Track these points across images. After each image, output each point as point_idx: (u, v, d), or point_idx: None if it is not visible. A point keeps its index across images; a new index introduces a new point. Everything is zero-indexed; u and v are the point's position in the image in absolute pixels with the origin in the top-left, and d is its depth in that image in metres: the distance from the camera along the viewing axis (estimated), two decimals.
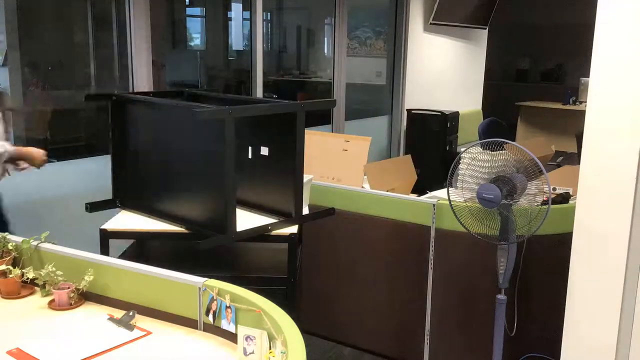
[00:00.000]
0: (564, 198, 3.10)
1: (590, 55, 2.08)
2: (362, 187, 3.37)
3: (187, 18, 6.76)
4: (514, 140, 3.89)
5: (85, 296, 2.02)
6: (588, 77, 2.12)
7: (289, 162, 2.36)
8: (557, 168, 3.92)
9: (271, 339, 1.61)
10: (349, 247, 3.28)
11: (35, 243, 2.11)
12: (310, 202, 2.83)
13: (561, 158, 7.20)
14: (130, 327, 1.84)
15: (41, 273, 2.01)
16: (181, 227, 2.38)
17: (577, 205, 2.19)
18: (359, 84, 6.66)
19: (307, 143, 2.44)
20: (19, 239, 2.15)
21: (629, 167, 2.05)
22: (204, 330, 1.83)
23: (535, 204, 2.43)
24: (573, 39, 8.76)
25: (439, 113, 6.57)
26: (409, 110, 6.65)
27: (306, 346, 1.50)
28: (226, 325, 1.75)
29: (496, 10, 7.80)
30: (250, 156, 2.47)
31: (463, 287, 3.01)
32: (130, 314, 1.89)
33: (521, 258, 2.71)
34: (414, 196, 3.30)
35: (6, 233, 2.17)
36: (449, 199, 2.62)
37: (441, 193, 3.18)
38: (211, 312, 1.78)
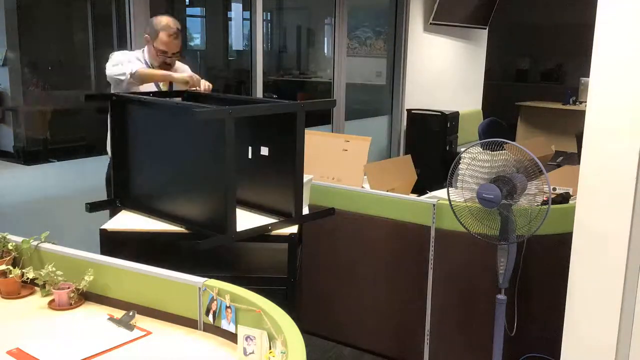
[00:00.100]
0: (564, 198, 3.10)
1: (590, 55, 2.08)
2: (362, 187, 3.37)
3: (187, 18, 6.75)
4: (514, 140, 3.89)
5: (85, 296, 2.02)
6: (588, 77, 2.12)
7: (289, 162, 2.36)
8: (557, 168, 3.92)
9: (271, 339, 1.61)
10: (349, 247, 3.28)
11: (35, 243, 2.11)
12: (310, 202, 2.83)
13: (561, 158, 7.20)
14: (130, 327, 1.84)
15: (41, 273, 2.01)
16: (181, 227, 2.38)
17: (577, 205, 2.19)
18: (359, 84, 6.66)
19: (307, 143, 2.43)
20: (19, 239, 2.15)
21: (629, 167, 2.05)
22: (204, 330, 1.83)
23: (535, 204, 2.43)
24: (573, 39, 8.76)
25: (439, 113, 6.57)
26: (409, 110, 6.65)
27: (306, 346, 1.51)
28: (226, 325, 1.75)
29: (496, 10, 7.80)
30: (250, 156, 2.47)
31: (463, 287, 3.01)
32: (130, 314, 1.89)
33: (521, 258, 2.71)
34: (414, 196, 3.30)
35: (6, 233, 2.17)
36: (449, 199, 2.62)
37: (441, 193, 3.18)
38: (211, 312, 1.78)
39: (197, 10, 6.98)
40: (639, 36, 1.99)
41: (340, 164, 3.48)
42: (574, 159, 6.69)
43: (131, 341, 1.77)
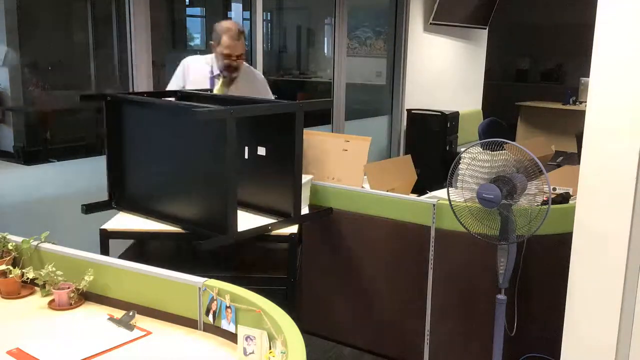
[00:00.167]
0: (564, 198, 3.10)
1: (590, 55, 2.08)
2: (362, 187, 3.37)
3: (187, 18, 6.76)
4: (514, 140, 3.89)
5: (85, 296, 2.02)
6: (588, 77, 2.12)
7: (288, 162, 2.36)
8: (557, 168, 3.91)
9: (271, 339, 1.61)
10: (349, 247, 3.28)
11: (35, 243, 2.11)
12: (310, 202, 2.83)
13: (561, 158, 7.20)
14: (130, 327, 1.84)
15: (41, 273, 2.01)
16: (179, 227, 2.37)
17: (577, 205, 2.19)
18: (359, 84, 6.66)
19: (307, 143, 2.44)
20: (19, 239, 2.15)
21: (629, 167, 2.05)
22: (204, 330, 1.83)
23: (535, 204, 2.43)
24: (573, 39, 8.76)
25: (439, 113, 6.57)
26: (409, 110, 6.65)
27: (306, 346, 1.50)
28: (226, 325, 1.75)
29: (496, 10, 7.80)
30: (246, 156, 2.47)
31: (463, 287, 3.01)
32: (130, 314, 1.89)
33: (521, 258, 2.71)
34: (414, 196, 3.30)
35: (6, 233, 2.17)
36: (449, 199, 2.62)
37: (441, 193, 3.18)
38: (211, 312, 1.78)
39: (197, 10, 6.99)
40: (639, 36, 1.99)
41: (340, 164, 3.48)
42: (574, 159, 6.69)
43: (131, 341, 1.77)
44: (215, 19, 6.93)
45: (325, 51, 6.85)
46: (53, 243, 2.13)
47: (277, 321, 1.60)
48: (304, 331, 1.61)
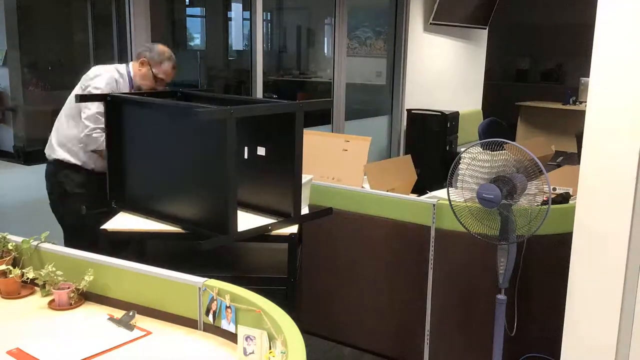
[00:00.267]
0: (564, 198, 3.10)
1: (590, 55, 2.08)
2: (362, 187, 3.37)
3: (187, 18, 6.76)
4: (514, 140, 3.89)
5: (85, 296, 2.02)
6: (588, 77, 2.12)
7: (288, 162, 2.36)
8: (557, 168, 3.92)
9: (271, 339, 1.61)
10: (349, 247, 3.28)
11: (35, 243, 2.11)
12: (310, 202, 2.83)
13: (561, 158, 7.20)
14: (130, 327, 1.84)
15: (41, 273, 2.01)
16: (180, 228, 2.37)
17: (577, 205, 2.19)
18: (359, 84, 6.66)
19: (307, 143, 2.44)
20: (19, 239, 2.15)
21: (629, 167, 2.05)
22: (204, 330, 1.83)
23: (535, 204, 2.43)
24: (573, 39, 8.75)
25: (439, 113, 6.57)
26: (409, 110, 6.65)
27: (306, 346, 1.51)
28: (226, 325, 1.75)
29: (496, 10, 7.80)
30: (246, 156, 2.47)
31: (463, 287, 3.01)
32: (130, 314, 1.89)
33: (521, 258, 2.71)
34: (414, 196, 3.30)
35: (6, 233, 2.17)
36: (449, 199, 2.62)
37: (441, 193, 3.18)
38: (211, 312, 1.78)
39: (197, 10, 6.98)
40: (639, 36, 1.99)
41: (340, 164, 3.48)
42: (574, 159, 6.68)
43: (131, 341, 1.77)
44: (215, 19, 6.94)
45: (325, 51, 6.85)
46: (53, 243, 2.13)
47: (277, 321, 1.60)
48: (304, 331, 1.61)
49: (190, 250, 2.57)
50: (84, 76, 3.04)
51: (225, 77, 6.69)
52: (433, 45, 7.06)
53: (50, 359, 1.67)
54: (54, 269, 2.00)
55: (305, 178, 2.52)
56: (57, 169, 3.03)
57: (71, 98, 3.05)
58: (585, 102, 2.87)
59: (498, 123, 6.67)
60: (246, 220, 2.36)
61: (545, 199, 2.41)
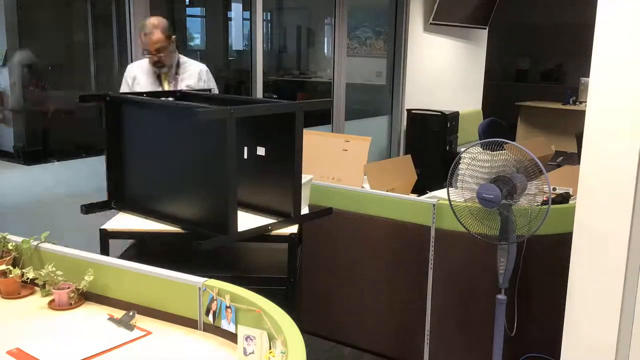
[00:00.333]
0: (564, 198, 3.10)
1: (590, 55, 2.08)
2: (362, 187, 3.37)
3: (187, 18, 6.75)
4: (514, 140, 3.89)
5: (85, 296, 2.02)
6: (588, 77, 2.12)
7: (288, 162, 2.36)
8: (557, 168, 3.92)
9: (271, 339, 1.61)
10: (349, 247, 3.28)
11: (35, 243, 2.11)
12: (310, 202, 2.83)
13: (561, 158, 7.20)
14: (130, 327, 1.84)
15: (41, 273, 2.01)
16: (179, 227, 2.37)
17: (577, 205, 2.19)
18: (359, 84, 6.66)
19: (307, 143, 2.43)
20: (19, 239, 2.15)
21: (629, 167, 2.05)
22: (204, 330, 1.83)
23: (535, 204, 2.43)
24: (573, 39, 8.75)
25: (439, 113, 6.57)
26: (409, 110, 6.65)
27: (306, 346, 1.50)
28: (226, 325, 1.75)
29: (496, 10, 7.80)
30: (245, 156, 2.47)
31: (463, 287, 3.01)
32: (130, 314, 1.89)
33: (521, 258, 2.71)
34: (414, 196, 3.30)
35: (6, 233, 2.17)
36: (449, 199, 2.62)
37: (441, 193, 3.18)
38: (211, 312, 1.78)
39: (197, 10, 6.98)
40: (639, 36, 1.99)
41: (340, 164, 3.48)
42: (574, 159, 6.68)
43: (131, 341, 1.77)
44: (215, 19, 6.94)
45: (325, 51, 6.85)
46: (53, 243, 2.13)
47: (277, 321, 1.60)
48: (304, 331, 1.61)
49: (190, 250, 2.57)
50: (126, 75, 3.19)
51: (225, 77, 6.68)
52: (433, 45, 7.06)
53: (50, 359, 1.67)
54: (54, 269, 2.00)
55: (305, 178, 2.52)
56: None
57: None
58: (585, 102, 2.87)
59: (498, 123, 6.67)
60: (246, 220, 2.36)
61: (545, 199, 2.41)
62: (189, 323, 1.85)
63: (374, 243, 3.20)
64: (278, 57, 7.34)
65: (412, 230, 3.06)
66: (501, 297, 2.59)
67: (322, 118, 5.81)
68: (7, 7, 3.96)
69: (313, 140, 3.41)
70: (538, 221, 2.39)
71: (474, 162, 2.53)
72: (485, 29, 8.05)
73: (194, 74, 3.37)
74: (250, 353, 1.62)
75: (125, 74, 3.35)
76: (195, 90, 3.14)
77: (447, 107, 6.86)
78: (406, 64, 6.56)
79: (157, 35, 3.16)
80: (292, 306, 2.32)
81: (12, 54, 4.01)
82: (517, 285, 2.82)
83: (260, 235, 2.33)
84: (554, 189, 3.22)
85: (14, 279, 2.03)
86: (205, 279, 1.83)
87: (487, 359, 2.70)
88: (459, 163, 2.58)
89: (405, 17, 6.45)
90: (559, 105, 8.71)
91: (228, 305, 1.73)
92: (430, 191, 3.52)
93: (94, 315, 1.93)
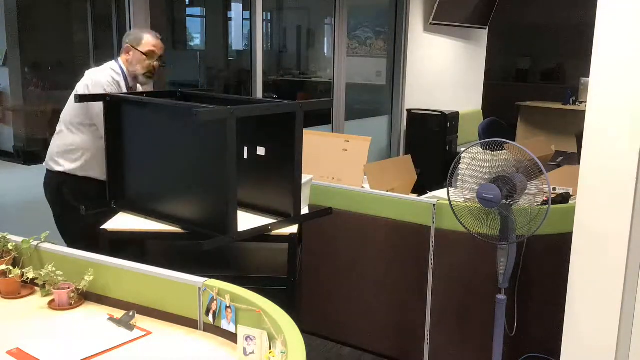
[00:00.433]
0: (564, 198, 3.10)
1: (590, 55, 2.08)
2: (362, 187, 3.37)
3: (187, 18, 6.75)
4: (514, 140, 3.89)
5: (85, 296, 2.02)
6: (588, 77, 2.12)
7: (288, 162, 2.36)
8: (557, 168, 3.92)
9: (271, 339, 1.61)
10: (349, 247, 3.28)
11: (35, 243, 2.11)
12: (310, 202, 2.82)
13: (561, 158, 7.19)
14: (130, 327, 1.84)
15: (41, 273, 2.01)
16: (180, 227, 2.37)
17: (577, 205, 2.19)
18: (359, 84, 6.66)
19: (307, 143, 2.43)
20: (19, 239, 2.15)
21: (629, 167, 2.05)
22: (204, 330, 1.83)
23: (535, 204, 2.43)
24: (573, 39, 8.75)
25: (439, 113, 6.57)
26: (409, 110, 6.65)
27: (306, 346, 1.51)
28: (226, 325, 1.75)
29: (496, 10, 7.80)
30: (245, 156, 2.47)
31: (463, 287, 3.01)
32: (130, 314, 1.89)
33: (521, 258, 2.71)
34: (414, 196, 3.30)
35: (6, 233, 2.17)
36: (449, 199, 2.62)
37: (441, 193, 3.18)
38: (211, 312, 1.78)
39: (197, 10, 6.98)
40: (639, 36, 1.99)
41: (340, 164, 3.48)
42: (574, 159, 6.68)
43: (131, 341, 1.77)
44: (215, 18, 6.94)
45: (325, 51, 6.85)
46: (53, 243, 2.13)
47: (277, 321, 1.60)
48: (304, 331, 1.61)
49: (190, 250, 2.57)
50: (79, 83, 2.92)
51: (225, 77, 6.69)
52: (433, 45, 7.06)
53: (50, 359, 1.67)
54: (54, 269, 2.00)
55: (305, 178, 2.52)
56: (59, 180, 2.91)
57: (71, 104, 2.92)
58: (585, 102, 2.87)
59: (498, 123, 6.67)
60: (246, 220, 2.36)
61: (545, 199, 2.41)
62: (189, 323, 1.85)
63: (374, 243, 3.20)
64: (278, 57, 7.35)
65: (412, 230, 3.06)
66: (501, 297, 2.59)
67: (322, 118, 5.81)
68: (7, 7, 3.96)
69: (313, 140, 3.42)
70: (538, 221, 2.39)
71: (474, 162, 2.53)
72: (485, 29, 8.05)
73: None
74: (250, 353, 1.62)
75: (103, 79, 2.86)
76: (197, 90, 3.13)
77: (447, 107, 6.86)
78: (406, 64, 6.56)
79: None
80: (292, 306, 2.32)
81: (12, 54, 4.01)
82: (517, 285, 2.82)
83: (260, 235, 2.33)
84: (554, 189, 3.22)
85: (14, 279, 2.03)
86: (205, 279, 1.83)
87: (487, 359, 2.70)
88: (459, 163, 2.58)
89: (405, 17, 6.45)
90: (559, 105, 8.71)
91: (228, 305, 1.73)
92: (430, 191, 3.52)
93: (94, 315, 1.93)
